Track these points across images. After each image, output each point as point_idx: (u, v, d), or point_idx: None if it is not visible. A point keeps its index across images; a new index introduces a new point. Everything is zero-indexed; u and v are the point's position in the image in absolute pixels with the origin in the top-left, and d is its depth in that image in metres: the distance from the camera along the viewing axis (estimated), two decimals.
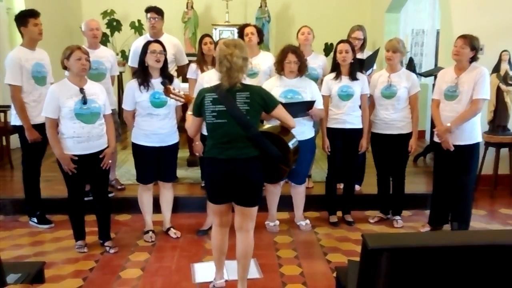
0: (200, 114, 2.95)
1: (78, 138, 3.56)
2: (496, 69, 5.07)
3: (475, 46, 3.78)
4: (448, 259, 1.72)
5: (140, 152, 3.89)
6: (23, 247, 3.94)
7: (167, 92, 3.42)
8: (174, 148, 3.98)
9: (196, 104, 2.95)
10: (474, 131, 3.89)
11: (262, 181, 3.04)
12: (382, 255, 1.66)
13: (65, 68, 3.62)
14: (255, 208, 3.03)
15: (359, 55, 4.48)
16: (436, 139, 4.02)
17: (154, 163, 3.91)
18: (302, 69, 3.97)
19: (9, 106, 4.82)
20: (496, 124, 5.11)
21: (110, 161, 3.77)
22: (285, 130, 3.08)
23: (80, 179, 3.71)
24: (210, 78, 3.85)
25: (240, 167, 2.87)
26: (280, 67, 3.98)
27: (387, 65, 4.23)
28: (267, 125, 3.29)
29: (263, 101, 2.92)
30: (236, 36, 8.58)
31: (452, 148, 3.87)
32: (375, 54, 4.89)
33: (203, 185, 4.58)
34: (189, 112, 3.17)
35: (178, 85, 3.92)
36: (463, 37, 3.80)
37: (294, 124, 3.11)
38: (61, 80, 3.67)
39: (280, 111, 3.02)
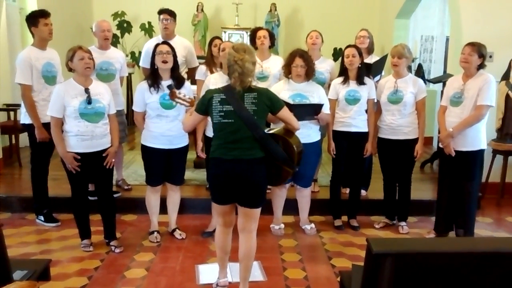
0: (206, 112, 2.98)
1: (81, 136, 3.60)
2: (506, 76, 5.04)
3: (483, 53, 3.78)
4: (453, 265, 1.72)
5: (148, 154, 3.91)
6: (29, 245, 3.97)
7: (172, 96, 3.39)
8: (183, 151, 3.98)
9: (203, 103, 2.97)
10: (477, 138, 3.86)
11: (266, 183, 3.07)
12: (386, 260, 1.66)
13: (70, 70, 3.66)
14: (258, 210, 3.06)
15: (366, 60, 4.48)
16: (440, 144, 4.02)
17: (163, 166, 3.92)
18: (309, 73, 3.98)
19: (19, 105, 4.88)
20: (504, 132, 5.07)
21: (113, 160, 3.79)
22: (289, 132, 3.13)
23: (83, 178, 3.74)
24: (216, 80, 3.88)
25: (244, 168, 2.90)
26: (287, 70, 4.00)
27: (394, 71, 4.23)
28: (272, 127, 3.31)
29: (270, 102, 2.96)
30: (246, 39, 8.71)
31: (453, 154, 3.86)
32: (383, 60, 4.87)
33: (208, 186, 4.59)
34: (188, 114, 3.18)
35: (188, 88, 3.93)
36: (471, 44, 3.80)
37: (299, 126, 3.16)
38: (66, 80, 3.72)
39: (285, 112, 3.05)
